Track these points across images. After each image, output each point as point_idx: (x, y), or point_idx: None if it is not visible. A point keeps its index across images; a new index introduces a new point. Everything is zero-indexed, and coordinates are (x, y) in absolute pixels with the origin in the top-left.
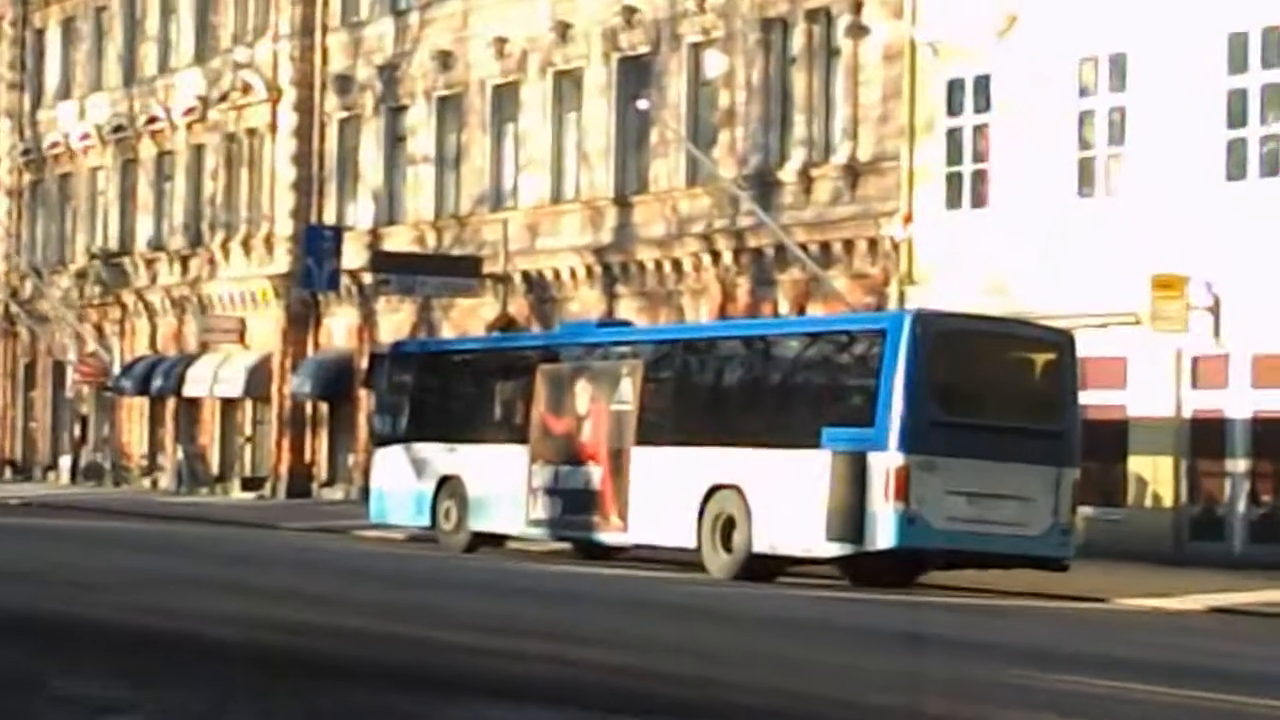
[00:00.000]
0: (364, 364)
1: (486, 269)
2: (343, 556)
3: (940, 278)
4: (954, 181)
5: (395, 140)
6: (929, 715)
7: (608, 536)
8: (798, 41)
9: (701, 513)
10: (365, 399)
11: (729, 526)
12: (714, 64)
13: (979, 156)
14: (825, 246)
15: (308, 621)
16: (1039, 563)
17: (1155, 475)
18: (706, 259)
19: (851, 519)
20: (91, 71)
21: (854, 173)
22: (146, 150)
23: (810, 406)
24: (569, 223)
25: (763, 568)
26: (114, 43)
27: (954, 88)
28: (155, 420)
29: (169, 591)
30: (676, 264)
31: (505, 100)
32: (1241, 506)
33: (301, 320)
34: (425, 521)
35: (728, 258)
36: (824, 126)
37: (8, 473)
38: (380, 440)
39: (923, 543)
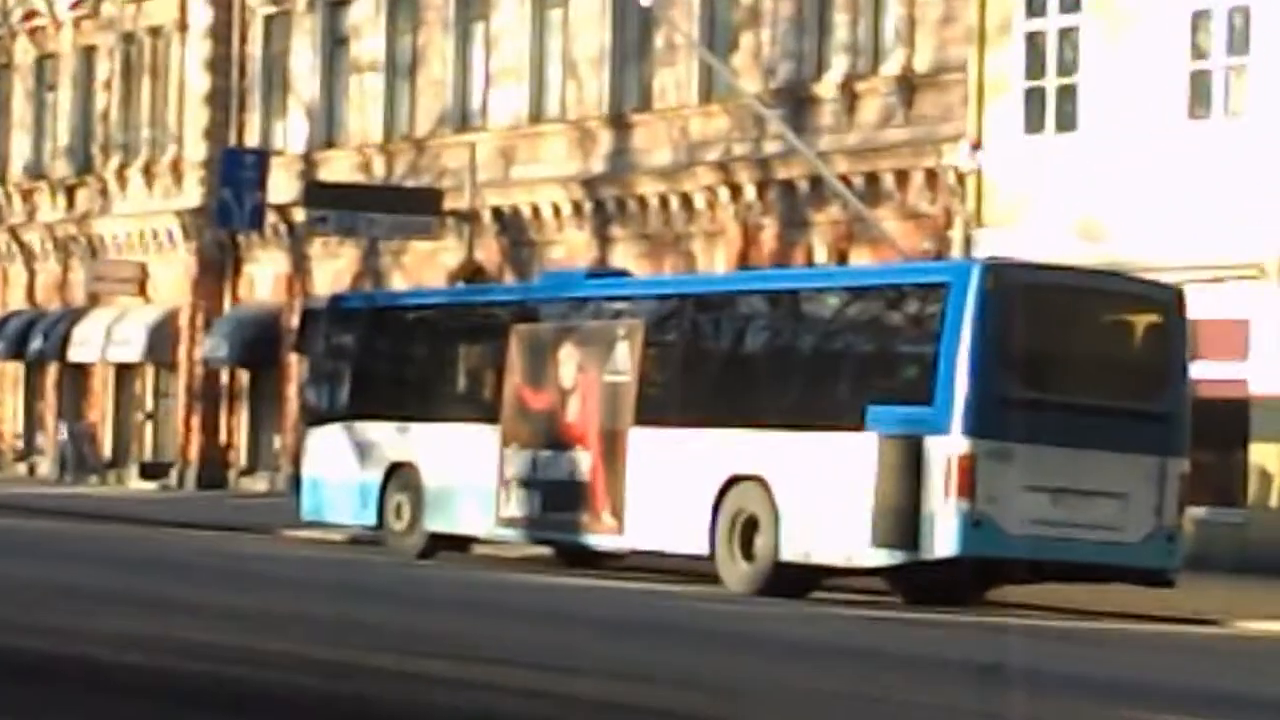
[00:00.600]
0: (295, 322)
1: (448, 205)
2: (268, 563)
3: (1016, 219)
4: (1034, 99)
5: (335, 43)
6: None
7: (599, 539)
8: None
9: (716, 511)
10: (296, 366)
11: (750, 528)
12: None
13: (1066, 68)
14: (872, 179)
15: (225, 644)
16: (1137, 576)
17: None
18: (723, 194)
19: (903, 520)
20: None
21: (909, 87)
22: (23, 53)
23: (853, 379)
24: (552, 148)
25: (792, 580)
26: None
27: None
28: (32, 391)
29: (54, 606)
30: (686, 200)
31: None
32: None
33: (217, 267)
34: (370, 519)
35: (750, 193)
36: (872, 29)
37: None
38: (314, 418)
39: (992, 550)
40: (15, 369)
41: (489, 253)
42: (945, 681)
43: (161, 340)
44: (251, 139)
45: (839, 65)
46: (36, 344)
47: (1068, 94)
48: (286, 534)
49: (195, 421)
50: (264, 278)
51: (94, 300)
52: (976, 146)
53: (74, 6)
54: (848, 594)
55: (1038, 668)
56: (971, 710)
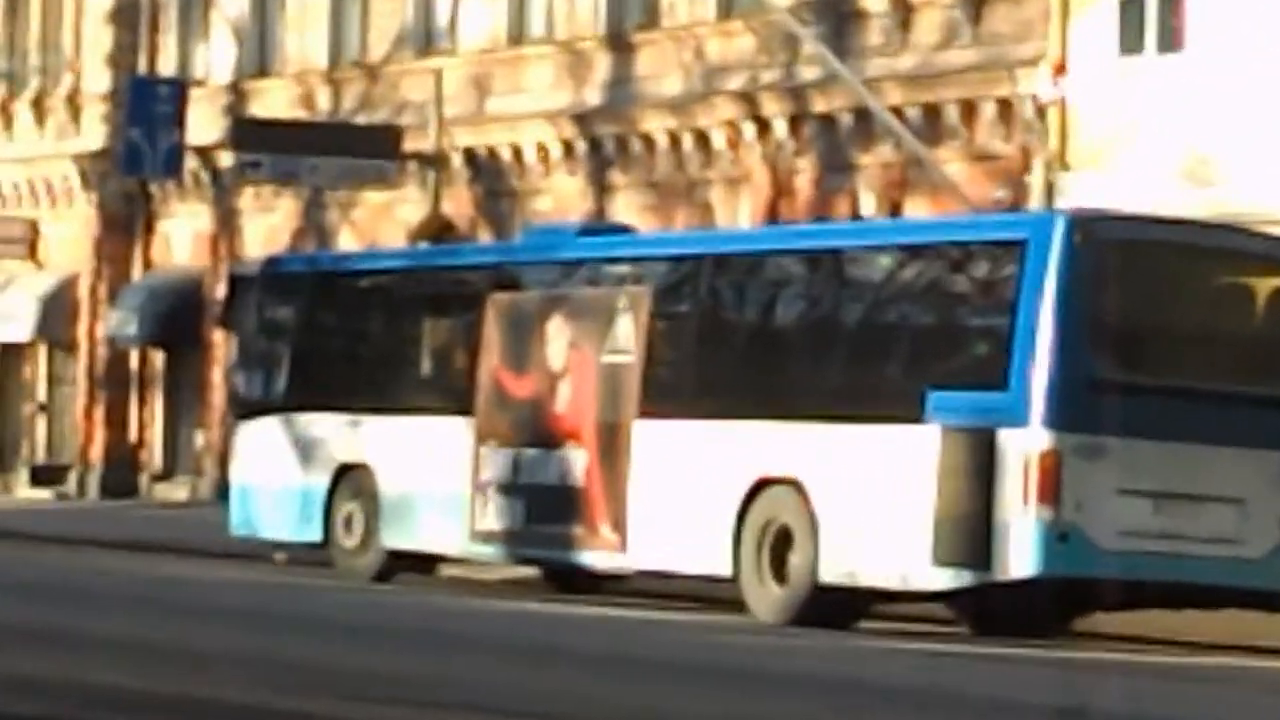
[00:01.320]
0: (221, 292)
1: (409, 145)
2: (188, 589)
3: (1108, 160)
4: (1131, 12)
5: None
6: None
7: (596, 558)
8: None
9: (741, 522)
10: (223, 346)
11: (783, 543)
12: None
13: None
14: (932, 111)
15: (133, 688)
16: (1259, 600)
17: None
18: (748, 131)
19: (971, 533)
20: None
21: None
22: None
23: (908, 359)
24: (536, 75)
25: (834, 607)
26: None
27: None
28: None
29: None
30: (702, 139)
31: None
32: None
33: (124, 224)
34: (314, 535)
35: (781, 129)
36: None
37: None
38: (246, 410)
39: (1081, 569)
40: None
41: (459, 205)
42: None
43: (56, 315)
44: (166, 66)
45: None
46: None
47: (1172, 7)
48: (211, 553)
49: (98, 414)
50: (182, 237)
51: None
52: (1060, 71)
53: None
54: (902, 624)
55: (1132, 713)
56: None
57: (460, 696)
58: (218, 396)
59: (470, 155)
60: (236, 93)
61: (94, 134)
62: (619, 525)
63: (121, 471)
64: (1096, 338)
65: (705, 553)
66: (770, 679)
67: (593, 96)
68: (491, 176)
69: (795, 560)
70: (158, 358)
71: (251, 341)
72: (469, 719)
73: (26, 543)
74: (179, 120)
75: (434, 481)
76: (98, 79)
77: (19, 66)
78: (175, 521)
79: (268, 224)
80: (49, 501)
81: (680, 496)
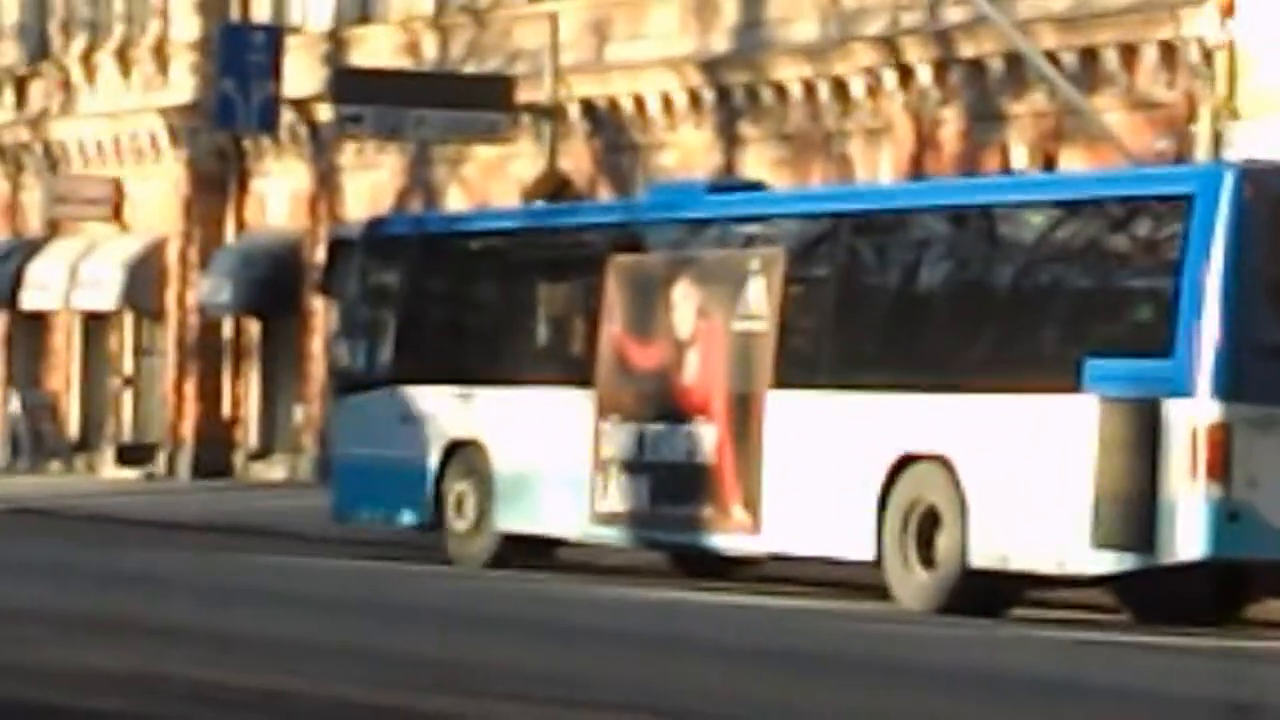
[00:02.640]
0: (321, 256)
1: (522, 96)
2: (286, 576)
3: None
4: None
5: None
6: None
7: (726, 540)
8: None
9: (884, 502)
10: (323, 314)
11: (930, 525)
12: None
13: None
14: (1088, 56)
15: (228, 683)
16: None
17: None
18: (889, 78)
19: (1134, 513)
20: None
21: None
22: None
23: (1065, 324)
24: (659, 19)
25: (985, 593)
26: None
27: None
28: None
29: (10, 633)
30: (839, 86)
31: None
32: None
33: (215, 183)
34: (423, 517)
35: (924, 76)
36: None
37: None
38: (348, 382)
39: (1254, 551)
40: None
41: (577, 160)
42: None
43: (143, 282)
44: (260, 12)
45: None
46: None
47: None
48: (311, 538)
49: (189, 389)
50: (278, 197)
51: (54, 229)
52: (1228, 12)
53: None
54: (1060, 611)
55: None
56: None
57: (582, 692)
58: (317, 369)
59: (588, 107)
60: (336, 41)
61: (183, 86)
62: (751, 506)
63: (214, 450)
64: (1269, 300)
65: (845, 535)
66: (915, 671)
67: (720, 42)
68: (612, 129)
69: (943, 543)
70: (253, 327)
71: (354, 309)
72: (592, 716)
73: (113, 527)
74: (274, 71)
75: (552, 459)
76: (187, 27)
77: (102, 14)
78: (270, 504)
79: (370, 182)
80: (136, 482)
81: (818, 475)
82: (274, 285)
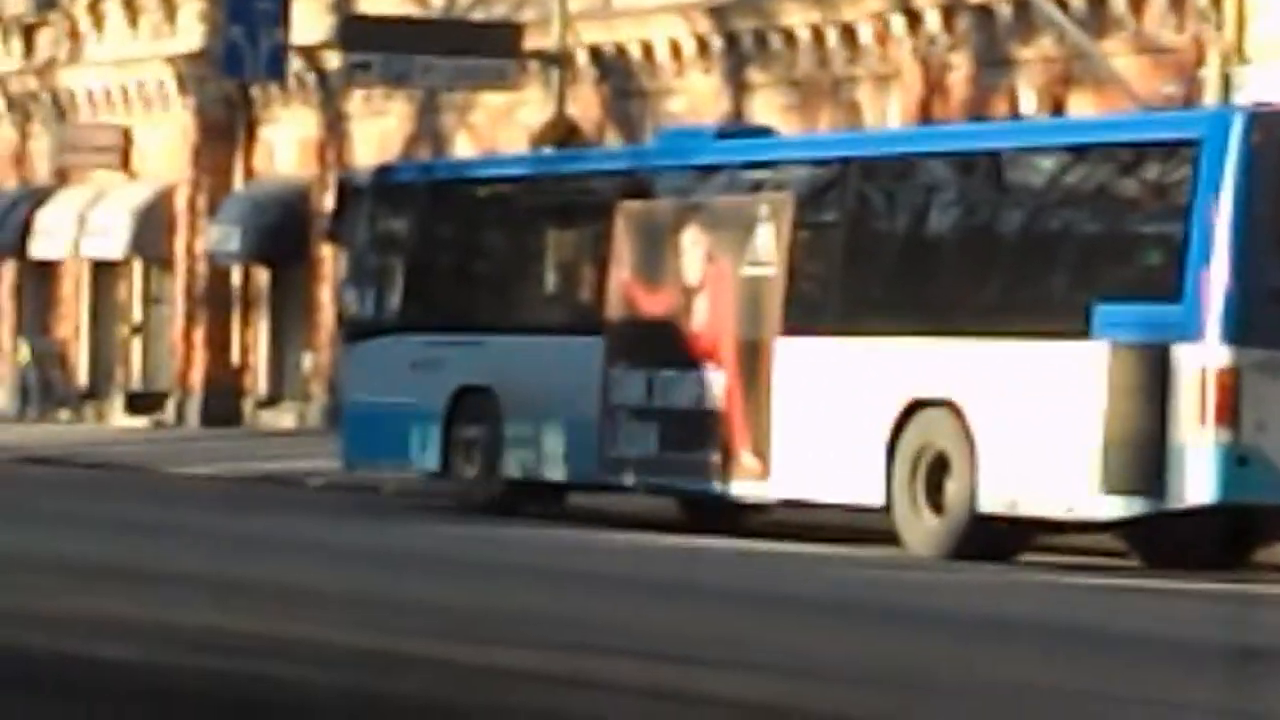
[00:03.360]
0: (329, 203)
1: (530, 43)
2: (295, 522)
3: None
4: None
5: None
6: None
7: (737, 488)
8: None
9: (893, 448)
10: (332, 262)
11: (939, 470)
12: None
13: None
14: (1097, 0)
15: (234, 629)
16: None
17: None
18: (897, 23)
19: (1143, 458)
20: None
21: None
22: None
23: (1074, 269)
24: None
25: (995, 538)
26: None
27: None
28: None
29: (20, 581)
30: (847, 32)
31: None
32: None
33: (223, 131)
34: (432, 464)
35: (933, 21)
36: None
37: None
38: (357, 330)
39: (1263, 495)
40: None
41: (585, 107)
42: (1195, 672)
43: (152, 229)
44: None
45: None
46: None
47: None
48: (320, 484)
49: (198, 337)
50: (287, 144)
51: (62, 177)
52: None
53: None
54: (1069, 556)
55: None
56: (1229, 710)
57: (594, 638)
58: (326, 316)
59: (596, 53)
60: None
61: (191, 33)
62: (761, 452)
63: (223, 398)
64: (1278, 244)
65: (854, 481)
66: (925, 616)
67: None
68: (620, 76)
69: (952, 488)
70: (261, 275)
71: (363, 257)
72: (603, 660)
73: (122, 472)
74: (282, 18)
75: (560, 406)
76: None
77: None
78: (281, 450)
79: (379, 129)
80: (145, 430)
81: (827, 420)
82: (282, 233)
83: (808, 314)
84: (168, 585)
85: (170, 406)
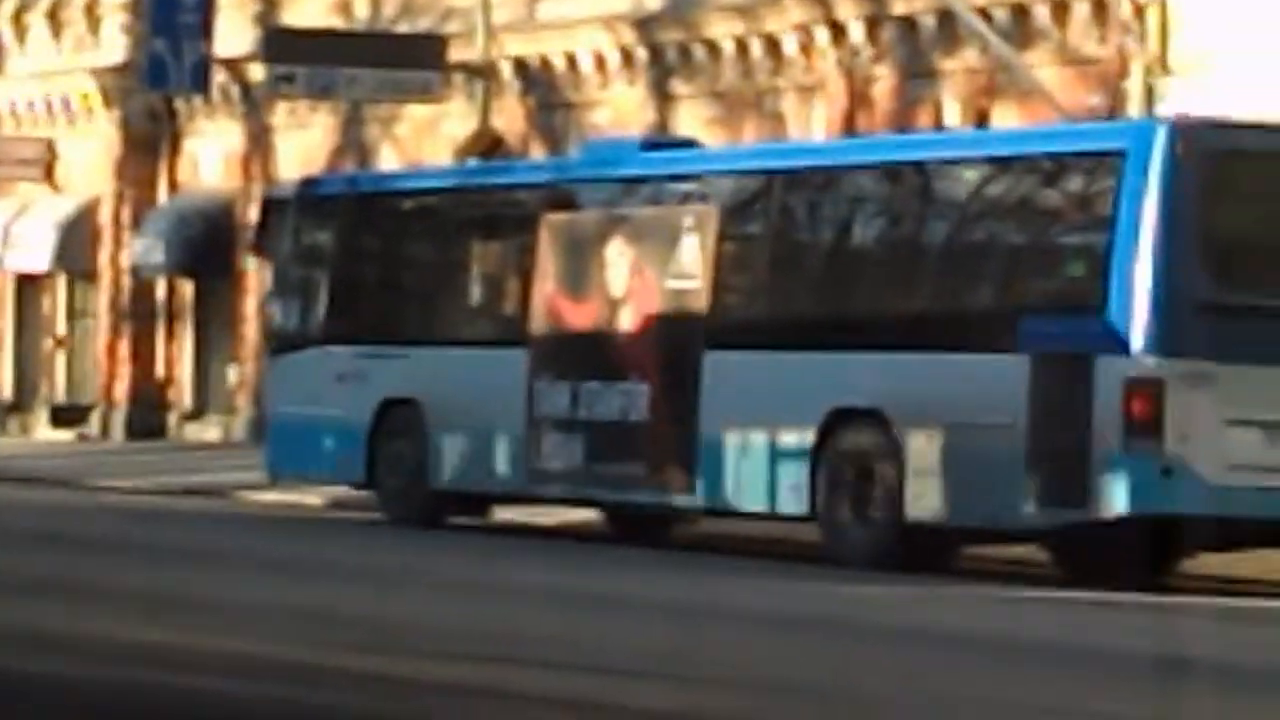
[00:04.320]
0: (253, 216)
1: (454, 55)
2: (216, 534)
3: (1217, 63)
4: None
5: None
6: None
7: (662, 498)
8: None
9: (817, 458)
10: (256, 275)
11: (865, 481)
12: None
13: None
14: (1020, 12)
15: (156, 642)
16: None
17: None
18: (821, 35)
19: (1067, 468)
20: None
21: None
22: None
23: (997, 281)
24: None
25: (920, 549)
26: None
27: None
28: None
29: None
30: (771, 43)
31: None
32: None
33: (148, 144)
34: (357, 476)
35: (857, 33)
36: None
37: None
38: (282, 343)
39: (1186, 507)
40: None
41: (510, 119)
42: (1116, 682)
43: (76, 242)
44: None
45: None
46: None
47: None
48: (246, 496)
49: (122, 350)
50: (211, 157)
51: None
52: None
53: None
54: (993, 566)
55: (1236, 662)
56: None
57: (515, 650)
58: (251, 329)
59: (521, 65)
60: (268, 0)
61: (114, 46)
62: (686, 463)
63: (148, 411)
64: (1202, 255)
65: (780, 492)
66: (849, 626)
67: (653, 0)
68: (544, 88)
69: (877, 499)
70: (186, 288)
71: (288, 269)
72: (524, 674)
73: (45, 488)
74: (206, 30)
75: (486, 418)
76: None
77: None
78: (206, 463)
79: (304, 142)
80: (70, 444)
81: (753, 431)
82: (207, 245)
83: (732, 326)
84: (95, 599)
85: (95, 420)
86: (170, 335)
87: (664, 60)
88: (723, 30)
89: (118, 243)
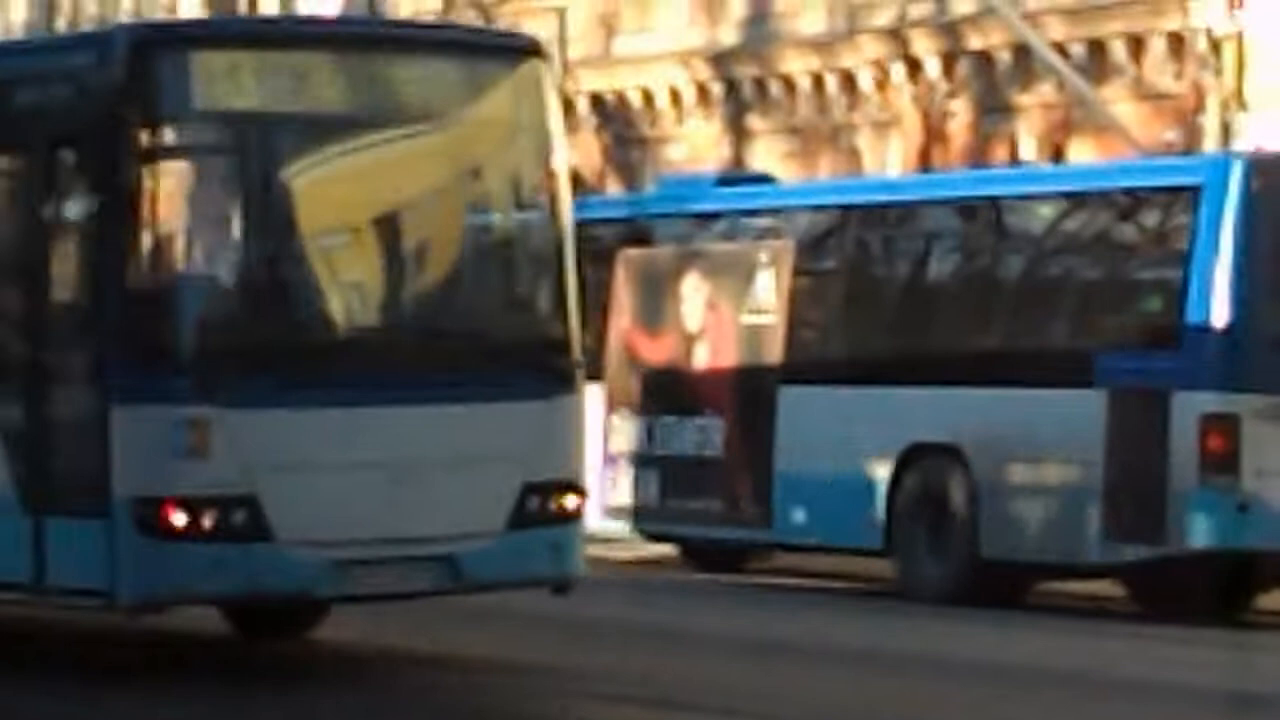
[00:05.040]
0: None
1: None
2: None
3: None
4: None
5: None
6: None
7: (738, 533)
8: None
9: (894, 492)
10: None
11: (940, 516)
12: None
13: None
14: (1096, 47)
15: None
16: None
17: None
18: (897, 71)
19: (1142, 504)
20: None
21: None
22: None
23: (1073, 316)
24: (667, 12)
25: (996, 583)
26: None
27: None
28: None
29: None
30: (847, 79)
31: None
32: None
33: None
34: None
35: (933, 68)
36: None
37: None
38: None
39: (1263, 542)
40: None
41: (586, 154)
42: (1192, 718)
43: None
44: (268, 11)
45: None
46: None
47: None
48: None
49: None
50: None
51: None
52: (1236, 3)
53: None
54: (1068, 602)
55: None
56: None
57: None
58: None
59: (597, 100)
60: None
61: None
62: (762, 498)
63: None
64: (1277, 290)
65: (856, 526)
66: (924, 661)
67: (729, 35)
68: (620, 123)
69: (953, 533)
70: None
71: None
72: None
73: None
74: None
75: None
76: None
77: (110, 12)
78: None
79: None
80: None
81: (828, 467)
82: None
83: (808, 361)
84: None
85: None
86: None
87: (740, 95)
88: (798, 66)
89: None
